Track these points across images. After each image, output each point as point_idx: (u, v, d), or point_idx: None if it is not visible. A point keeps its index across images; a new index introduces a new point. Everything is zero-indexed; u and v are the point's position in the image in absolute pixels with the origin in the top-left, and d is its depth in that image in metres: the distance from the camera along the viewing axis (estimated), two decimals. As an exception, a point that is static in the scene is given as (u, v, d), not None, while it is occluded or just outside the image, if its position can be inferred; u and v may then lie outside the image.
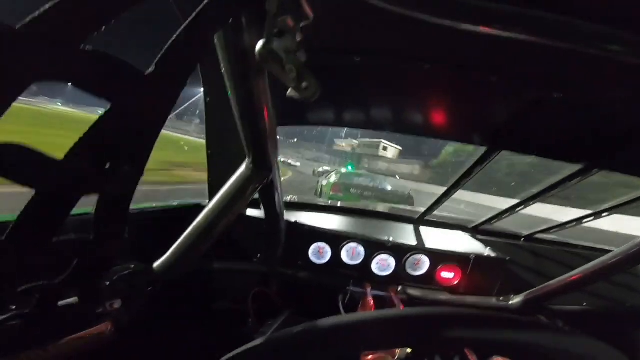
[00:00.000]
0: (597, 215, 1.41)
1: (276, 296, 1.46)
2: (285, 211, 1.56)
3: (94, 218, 0.48)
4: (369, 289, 1.34)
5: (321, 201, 2.04)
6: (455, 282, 1.40)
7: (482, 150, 1.14)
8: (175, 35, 0.39)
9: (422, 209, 1.75)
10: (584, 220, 1.47)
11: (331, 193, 8.58)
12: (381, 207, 2.14)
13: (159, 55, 0.39)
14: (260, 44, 0.43)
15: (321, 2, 0.52)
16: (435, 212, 1.75)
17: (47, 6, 0.30)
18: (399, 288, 1.38)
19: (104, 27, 0.33)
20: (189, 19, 0.40)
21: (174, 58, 0.40)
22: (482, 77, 0.76)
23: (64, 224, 0.43)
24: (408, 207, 2.42)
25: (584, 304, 1.47)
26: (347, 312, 1.36)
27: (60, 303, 0.59)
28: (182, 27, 0.39)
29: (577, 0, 0.42)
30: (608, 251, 1.03)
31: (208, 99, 0.99)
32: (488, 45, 0.60)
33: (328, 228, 1.43)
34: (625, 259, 0.95)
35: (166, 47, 0.39)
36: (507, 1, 0.43)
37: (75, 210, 0.43)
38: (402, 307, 1.25)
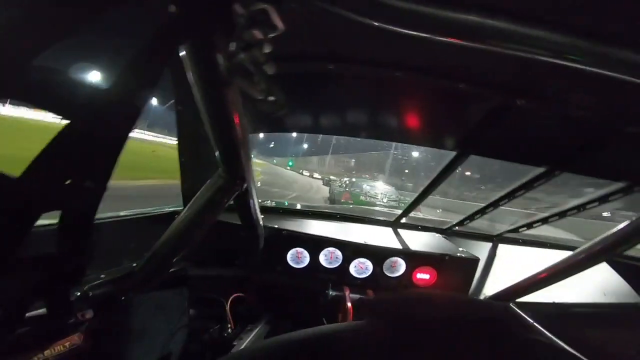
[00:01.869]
0: (562, 214, 1.49)
1: (255, 301, 1.45)
2: (263, 216, 1.56)
3: (58, 232, 0.48)
4: (347, 292, 1.35)
5: (300, 206, 2.04)
6: (431, 283, 1.43)
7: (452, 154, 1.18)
8: (136, 50, 0.39)
9: (399, 212, 1.79)
10: (550, 220, 1.55)
11: (342, 200, 9.58)
12: (359, 212, 2.17)
13: (120, 70, 0.39)
14: (227, 57, 0.43)
15: (294, 12, 0.53)
16: (412, 215, 1.79)
17: None
18: (377, 291, 1.41)
19: (55, 43, 0.33)
20: (153, 33, 0.40)
21: (136, 73, 0.40)
22: (450, 84, 0.79)
23: (28, 236, 0.42)
24: (386, 211, 2.46)
25: (553, 301, 1.54)
26: (326, 315, 1.37)
27: (28, 314, 0.57)
28: (145, 41, 0.39)
29: (537, 11, 0.45)
30: (574, 248, 1.08)
31: (179, 107, 0.98)
32: (456, 53, 0.62)
33: (306, 233, 1.44)
34: (589, 256, 1.00)
35: (127, 62, 0.39)
36: (472, 13, 0.46)
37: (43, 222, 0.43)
38: None
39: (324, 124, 1.14)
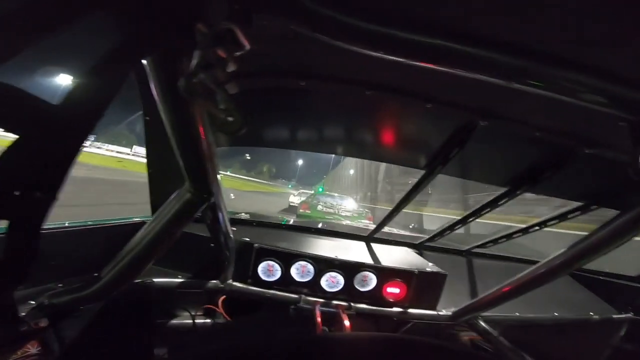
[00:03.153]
0: (524, 231, 1.55)
1: (223, 313, 1.43)
2: (235, 228, 1.55)
3: (5, 241, 0.47)
4: (317, 306, 1.35)
5: (274, 219, 2.03)
6: (401, 297, 1.45)
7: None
8: (91, 64, 0.39)
9: (373, 227, 1.81)
10: (514, 236, 1.61)
11: (300, 210, 9.57)
12: (334, 226, 2.18)
13: (71, 86, 0.39)
14: (186, 75, 0.43)
15: (264, 31, 0.54)
16: (386, 230, 1.82)
17: None
18: (347, 304, 1.41)
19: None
20: (109, 48, 0.40)
21: (89, 87, 0.40)
22: (418, 103, 0.82)
23: None
24: (360, 225, 2.49)
25: (517, 313, 1.58)
26: (297, 328, 1.37)
27: None
28: (101, 56, 0.39)
29: (499, 37, 0.48)
30: (537, 262, 1.11)
31: (147, 118, 0.97)
32: (423, 74, 0.64)
33: (278, 246, 1.44)
34: (550, 270, 1.04)
35: (81, 75, 0.39)
36: (437, 37, 0.48)
37: None
38: (347, 324, 1.27)
39: (294, 139, 1.15)
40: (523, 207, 7.84)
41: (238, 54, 0.45)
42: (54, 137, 0.41)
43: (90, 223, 1.19)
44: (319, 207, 9.49)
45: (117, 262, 0.88)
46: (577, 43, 0.47)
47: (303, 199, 13.09)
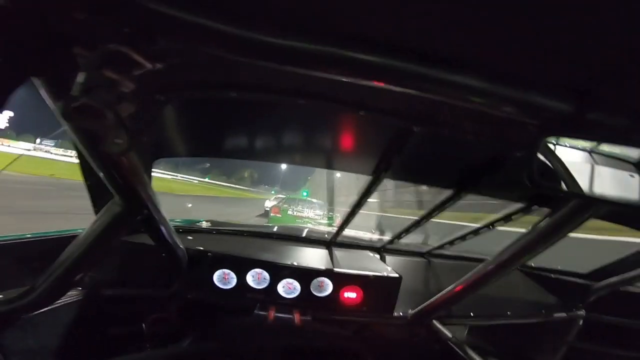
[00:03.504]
0: (475, 232, 1.60)
1: (178, 322, 1.40)
2: (191, 237, 1.52)
3: None
4: (272, 313, 1.35)
5: (234, 226, 2.01)
6: (358, 302, 1.46)
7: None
8: None
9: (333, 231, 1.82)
10: (467, 237, 1.66)
11: (272, 214, 9.79)
12: (297, 231, 2.18)
13: None
14: (64, 99, 0.42)
15: (180, 49, 0.53)
16: (349, 234, 1.83)
17: None
18: (305, 310, 1.41)
19: None
20: None
21: None
22: (351, 111, 0.83)
23: None
24: (324, 230, 2.50)
25: (471, 314, 1.63)
26: (251, 335, 1.36)
27: None
28: None
29: (419, 50, 0.49)
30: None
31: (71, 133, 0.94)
32: (350, 83, 0.66)
33: (232, 254, 1.43)
34: (497, 267, 1.07)
35: None
36: (352, 50, 0.49)
37: None
38: (301, 329, 1.28)
39: (234, 149, 1.15)
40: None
41: (138, 72, 0.45)
42: None
43: (28, 235, 1.15)
44: (289, 212, 9.80)
45: (51, 273, 0.89)
46: (476, 50, 0.49)
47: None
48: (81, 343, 1.20)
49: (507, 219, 1.43)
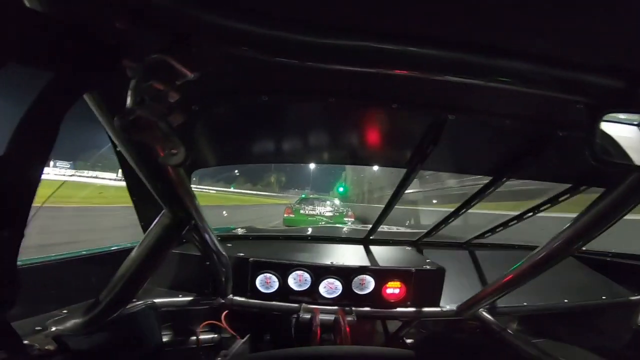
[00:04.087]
0: (519, 218, 1.54)
1: (226, 327, 1.45)
2: (230, 244, 1.57)
3: None
4: (317, 313, 1.36)
5: (269, 231, 2.05)
6: (401, 297, 1.45)
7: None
8: (23, 114, 0.40)
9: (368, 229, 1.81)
10: (509, 224, 1.59)
11: (285, 215, 10.20)
12: (330, 231, 2.19)
13: (10, 136, 0.41)
14: (120, 114, 0.43)
15: (213, 54, 0.55)
16: (383, 230, 1.81)
17: None
18: (347, 309, 1.41)
19: None
20: (37, 95, 0.41)
21: (27, 136, 0.42)
22: (384, 105, 0.83)
23: None
24: (358, 228, 2.49)
25: (524, 303, 1.56)
26: (297, 337, 1.37)
27: None
28: (30, 104, 0.41)
29: (450, 36, 0.48)
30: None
31: (117, 149, 1.00)
32: (382, 77, 0.64)
33: (272, 258, 1.45)
34: (550, 254, 1.02)
35: (16, 127, 0.41)
36: (386, 42, 0.48)
37: None
38: (347, 329, 1.27)
39: (271, 153, 1.17)
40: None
41: (180, 82, 0.46)
42: (8, 183, 0.43)
43: (84, 252, 1.23)
44: (302, 211, 10.19)
45: (112, 286, 0.95)
46: (524, 34, 0.48)
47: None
48: (140, 353, 1.27)
49: (553, 201, 1.37)
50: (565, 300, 1.57)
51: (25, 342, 0.84)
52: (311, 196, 13.93)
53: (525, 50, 0.50)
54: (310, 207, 10.54)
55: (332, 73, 0.68)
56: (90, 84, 0.47)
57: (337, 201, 12.10)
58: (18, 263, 0.49)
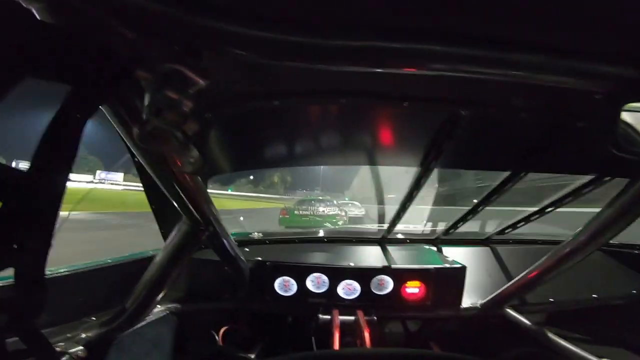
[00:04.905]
0: (541, 212, 1.49)
1: (247, 331, 1.47)
2: (248, 249, 1.59)
3: (14, 286, 0.51)
4: (336, 315, 1.36)
5: (285, 234, 2.07)
6: (422, 296, 1.43)
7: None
8: (44, 129, 0.42)
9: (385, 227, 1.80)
10: (531, 218, 1.55)
11: (280, 216, 10.68)
12: (346, 233, 2.18)
13: (34, 152, 0.42)
14: (138, 125, 0.45)
15: (221, 61, 0.56)
16: (400, 228, 1.80)
17: None
18: (367, 310, 1.41)
19: None
20: (55, 113, 0.43)
21: (50, 150, 0.43)
22: (395, 104, 0.81)
23: None
24: (373, 228, 2.47)
25: (551, 299, 1.51)
26: (317, 340, 1.37)
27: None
28: (49, 121, 0.42)
29: (460, 29, 0.47)
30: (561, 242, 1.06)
31: (135, 159, 1.03)
32: (392, 75, 0.64)
33: (290, 262, 1.46)
34: (577, 248, 0.99)
35: (39, 141, 0.42)
36: (397, 41, 0.48)
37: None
38: (367, 330, 1.27)
39: (285, 156, 1.17)
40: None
41: (193, 90, 0.46)
42: (32, 199, 0.45)
43: (109, 261, 1.27)
44: (295, 212, 10.81)
45: (137, 293, 0.99)
46: (538, 26, 0.47)
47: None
48: (163, 357, 1.30)
49: (576, 194, 1.32)
50: (594, 296, 1.52)
51: (57, 349, 0.88)
52: (305, 198, 14.80)
53: (540, 42, 0.48)
54: (304, 207, 11.36)
55: (343, 74, 0.68)
56: (107, 96, 0.49)
57: (334, 202, 12.82)
58: (47, 272, 0.51)
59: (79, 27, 0.42)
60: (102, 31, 0.43)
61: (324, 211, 11.23)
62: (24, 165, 0.42)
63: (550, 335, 1.37)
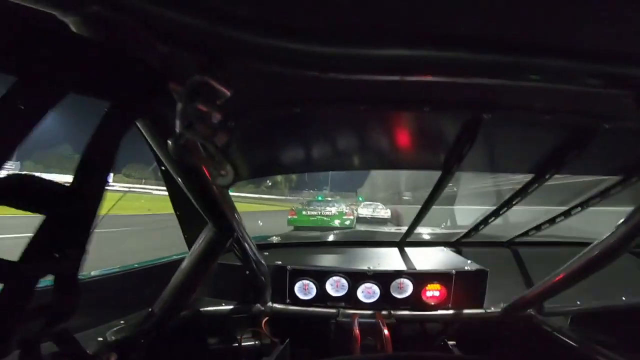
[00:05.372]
0: (566, 213, 1.45)
1: (267, 334, 1.48)
2: (267, 253, 1.60)
3: (53, 291, 0.53)
4: (356, 318, 1.35)
5: (304, 239, 2.07)
6: (442, 299, 1.41)
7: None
8: (84, 147, 0.43)
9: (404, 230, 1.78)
10: (557, 220, 1.51)
11: (289, 217, 11.06)
12: (364, 236, 2.17)
13: (77, 166, 0.43)
14: (173, 138, 0.45)
15: (245, 73, 0.56)
16: (419, 232, 1.78)
17: None
18: (386, 313, 1.40)
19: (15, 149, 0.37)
20: (96, 129, 0.44)
21: (89, 164, 0.44)
22: (415, 109, 0.81)
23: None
24: (392, 231, 2.46)
25: (578, 302, 1.48)
26: (337, 342, 1.37)
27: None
28: (90, 136, 0.43)
29: (481, 36, 0.47)
30: (589, 244, 1.04)
31: (162, 168, 1.04)
32: (412, 81, 0.63)
33: (310, 265, 1.47)
34: (608, 251, 0.97)
35: (80, 158, 0.43)
36: (417, 48, 0.47)
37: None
38: (388, 333, 1.26)
39: (305, 162, 1.17)
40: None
41: (219, 102, 0.47)
42: (73, 210, 0.46)
43: (136, 265, 1.31)
44: (304, 212, 11.32)
45: (166, 297, 1.02)
46: (561, 30, 0.46)
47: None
48: (190, 359, 1.32)
49: (603, 195, 1.28)
50: (623, 298, 1.48)
51: (88, 352, 0.90)
52: (313, 199, 15.13)
53: (565, 46, 0.47)
54: (312, 207, 11.74)
55: (363, 81, 0.68)
56: (143, 110, 0.49)
57: (342, 204, 12.96)
58: (80, 277, 0.52)
59: (114, 40, 0.43)
60: (135, 44, 0.44)
61: (331, 211, 11.47)
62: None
63: (577, 338, 1.34)
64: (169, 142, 0.45)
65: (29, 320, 0.52)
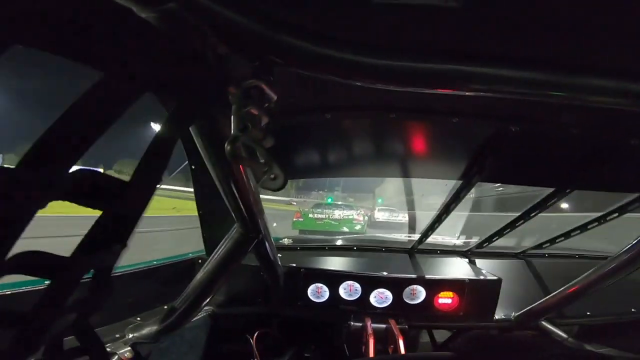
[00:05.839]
0: (582, 228, 1.45)
1: (279, 336, 1.49)
2: (280, 255, 1.62)
3: (89, 285, 0.53)
4: (369, 323, 1.36)
5: (317, 242, 2.08)
6: (454, 307, 1.42)
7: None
8: (147, 148, 0.45)
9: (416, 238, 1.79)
10: (572, 234, 1.51)
11: (294, 219, 10.53)
12: (376, 242, 2.18)
13: (137, 166, 0.45)
14: (229, 141, 0.46)
15: (283, 78, 0.58)
16: (430, 241, 1.78)
17: (37, 142, 0.36)
18: (399, 319, 1.40)
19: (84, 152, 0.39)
20: (162, 126, 0.46)
21: (148, 166, 0.46)
22: (444, 119, 0.82)
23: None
24: (402, 238, 2.46)
25: (588, 313, 1.48)
26: (349, 346, 1.38)
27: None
28: (154, 137, 0.45)
29: (509, 53, 0.49)
30: (603, 257, 1.05)
31: (193, 167, 1.07)
32: (443, 93, 0.65)
33: (323, 269, 1.48)
34: (623, 265, 0.98)
35: (141, 159, 0.45)
36: (448, 62, 0.49)
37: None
38: (400, 338, 1.26)
39: (332, 168, 1.19)
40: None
41: (267, 105, 0.48)
42: (128, 208, 0.48)
43: (155, 262, 1.32)
44: (310, 215, 10.72)
45: (187, 296, 1.03)
46: (588, 48, 0.47)
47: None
48: (204, 358, 1.34)
49: (621, 210, 1.28)
50: (633, 310, 1.47)
51: (107, 349, 0.92)
52: (321, 202, 14.71)
53: (593, 64, 0.49)
54: (319, 210, 11.14)
55: (394, 92, 0.69)
56: (205, 112, 0.51)
57: (353, 209, 12.30)
58: None
59: (183, 38, 0.45)
60: (200, 42, 0.45)
61: (340, 215, 10.90)
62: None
63: (588, 349, 1.33)
64: (226, 146, 0.46)
65: (65, 314, 0.54)
